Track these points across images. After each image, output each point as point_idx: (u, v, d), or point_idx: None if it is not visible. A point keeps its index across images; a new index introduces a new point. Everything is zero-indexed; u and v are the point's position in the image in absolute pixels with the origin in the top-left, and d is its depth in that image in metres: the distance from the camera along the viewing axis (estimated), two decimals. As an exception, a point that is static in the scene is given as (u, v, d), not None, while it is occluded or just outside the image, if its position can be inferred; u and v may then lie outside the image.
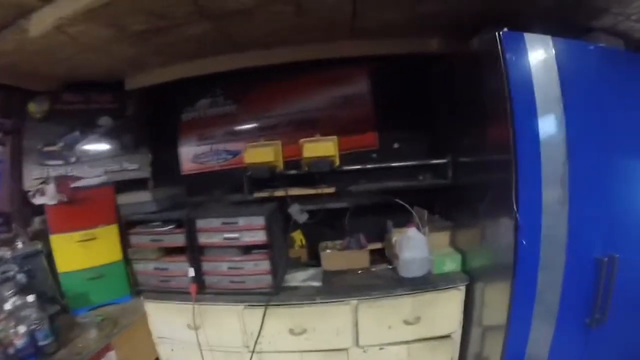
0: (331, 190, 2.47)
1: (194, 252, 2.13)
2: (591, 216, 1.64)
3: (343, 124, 2.76)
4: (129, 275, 2.31)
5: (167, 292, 2.22)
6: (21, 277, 1.92)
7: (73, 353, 1.72)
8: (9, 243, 2.18)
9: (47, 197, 2.04)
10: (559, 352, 1.72)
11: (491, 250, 1.92)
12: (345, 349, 2.12)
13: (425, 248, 2.21)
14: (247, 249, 2.14)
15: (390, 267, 2.39)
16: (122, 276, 2.30)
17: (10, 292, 1.77)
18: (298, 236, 2.69)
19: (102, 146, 2.79)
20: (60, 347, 1.75)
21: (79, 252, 2.16)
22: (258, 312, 2.08)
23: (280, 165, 2.47)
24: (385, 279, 2.24)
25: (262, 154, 2.38)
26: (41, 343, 1.67)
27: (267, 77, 2.81)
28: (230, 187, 2.79)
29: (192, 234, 2.12)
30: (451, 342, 2.14)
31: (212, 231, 2.12)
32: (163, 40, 2.17)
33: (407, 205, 2.43)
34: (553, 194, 1.58)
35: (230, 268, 2.14)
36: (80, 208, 2.15)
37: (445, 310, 2.11)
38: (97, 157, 2.76)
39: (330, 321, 2.09)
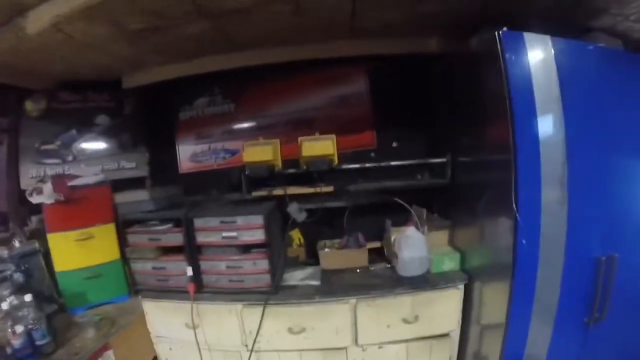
0: (330, 189, 2.47)
1: (192, 251, 2.13)
2: (590, 216, 1.64)
3: (341, 124, 2.76)
4: (126, 274, 2.29)
5: (165, 292, 2.21)
6: (18, 277, 1.91)
7: (71, 353, 1.71)
8: (6, 242, 2.17)
9: (44, 196, 2.02)
10: (557, 351, 1.72)
11: (490, 249, 1.92)
12: (344, 348, 2.12)
13: (424, 247, 2.21)
14: (246, 248, 2.14)
15: (389, 266, 2.39)
16: (119, 275, 2.28)
17: (7, 291, 1.77)
18: (296, 235, 2.69)
19: (100, 145, 2.78)
20: (57, 347, 1.74)
21: (77, 251, 2.14)
22: (257, 311, 2.08)
23: (279, 164, 2.46)
24: (384, 278, 2.24)
25: (261, 152, 2.37)
26: (38, 343, 1.66)
27: (265, 76, 2.80)
28: (228, 186, 2.79)
29: (190, 233, 2.11)
30: (450, 340, 2.14)
31: (210, 230, 2.12)
32: (161, 39, 2.15)
33: (405, 204, 2.42)
34: (552, 193, 1.59)
35: (228, 267, 2.13)
36: (78, 207, 2.13)
37: (444, 309, 2.11)
38: (94, 156, 2.75)
39: (329, 320, 2.08)
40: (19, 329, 1.59)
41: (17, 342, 1.57)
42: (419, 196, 2.51)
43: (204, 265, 2.15)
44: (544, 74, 1.57)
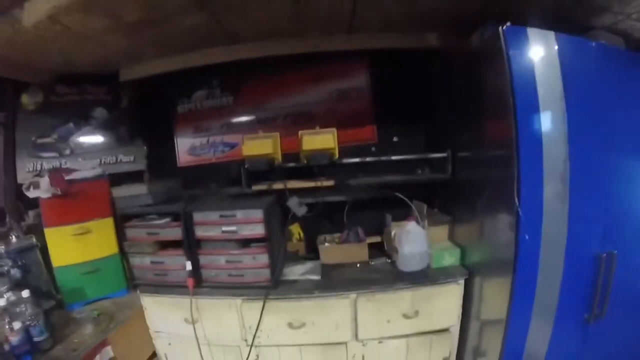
0: (330, 183, 2.45)
1: (191, 245, 2.12)
2: (590, 213, 1.65)
3: (342, 118, 2.73)
4: (125, 269, 2.28)
5: (163, 286, 2.20)
6: (15, 272, 1.89)
7: (69, 349, 1.70)
8: (3, 237, 2.14)
9: (41, 190, 2.00)
10: (557, 347, 1.73)
11: (490, 245, 1.92)
12: (344, 343, 2.12)
13: (424, 242, 2.21)
14: (245, 243, 2.13)
15: (389, 260, 2.39)
16: (118, 270, 2.26)
17: (4, 287, 1.76)
18: (296, 229, 2.67)
19: (97, 138, 2.76)
20: (55, 343, 1.72)
21: (74, 246, 2.12)
22: (256, 305, 2.08)
23: (279, 157, 2.44)
24: (384, 273, 2.24)
25: (261, 146, 2.35)
26: (36, 339, 1.65)
27: (264, 69, 2.77)
28: (227, 180, 2.78)
29: (189, 227, 2.10)
30: (450, 336, 2.15)
31: (209, 224, 2.11)
32: (158, 31, 2.12)
33: (406, 199, 2.42)
34: (554, 190, 1.59)
35: (228, 261, 2.13)
36: (75, 201, 2.11)
37: (444, 304, 2.11)
38: (91, 150, 2.73)
39: (329, 315, 2.08)
40: (17, 325, 1.58)
41: (15, 339, 1.55)
42: (420, 191, 2.51)
43: (203, 259, 2.15)
44: (548, 70, 1.57)
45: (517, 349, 1.74)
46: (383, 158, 2.57)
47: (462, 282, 2.10)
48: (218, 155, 2.92)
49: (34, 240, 2.13)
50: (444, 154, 2.37)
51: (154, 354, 2.31)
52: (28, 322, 1.63)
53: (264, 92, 2.83)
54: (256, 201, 2.22)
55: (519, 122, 1.55)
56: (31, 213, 2.43)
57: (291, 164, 2.50)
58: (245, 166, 2.42)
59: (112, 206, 2.26)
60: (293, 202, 2.45)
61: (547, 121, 1.57)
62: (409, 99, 2.72)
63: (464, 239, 2.24)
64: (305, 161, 2.39)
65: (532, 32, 1.57)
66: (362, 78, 2.78)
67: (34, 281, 2.00)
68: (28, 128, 2.61)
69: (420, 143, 2.71)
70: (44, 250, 2.11)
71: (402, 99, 2.74)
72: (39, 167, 2.58)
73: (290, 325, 2.08)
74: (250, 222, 2.07)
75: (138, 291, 2.23)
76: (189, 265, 2.10)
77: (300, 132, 2.37)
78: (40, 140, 2.63)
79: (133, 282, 2.26)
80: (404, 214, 2.40)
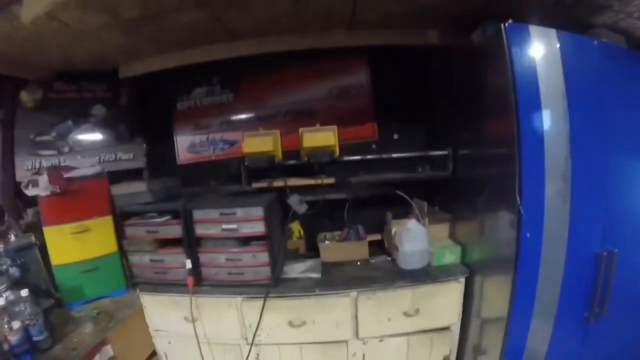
0: (331, 180, 2.45)
1: (190, 243, 2.11)
2: (591, 211, 1.64)
3: (342, 115, 2.73)
4: (124, 267, 2.27)
5: (163, 285, 2.19)
6: (14, 271, 1.88)
7: (68, 348, 1.69)
8: (2, 236, 2.14)
9: (40, 188, 1.99)
10: (558, 345, 1.73)
11: (491, 243, 1.92)
12: (345, 341, 2.12)
13: (424, 240, 2.20)
14: (245, 240, 2.12)
15: (390, 258, 2.39)
16: (117, 268, 2.26)
17: (3, 286, 1.74)
18: (296, 227, 2.67)
19: (96, 136, 2.74)
20: (55, 343, 1.72)
21: (73, 245, 2.11)
22: (257, 304, 2.07)
23: (279, 155, 2.43)
24: (384, 271, 2.24)
25: (261, 143, 2.33)
26: (36, 339, 1.65)
27: (264, 66, 2.76)
28: (227, 178, 2.78)
29: (189, 225, 2.10)
30: (450, 334, 2.15)
31: (209, 222, 2.10)
32: (157, 28, 2.11)
33: (406, 197, 2.41)
34: (555, 188, 1.58)
35: (228, 260, 2.12)
36: (74, 199, 2.10)
37: (444, 302, 2.10)
38: (90, 147, 2.72)
39: (329, 313, 2.08)
40: (16, 324, 1.57)
41: (14, 339, 1.55)
42: (420, 189, 2.50)
43: (203, 257, 2.14)
44: (549, 67, 1.56)
45: (517, 347, 1.73)
46: (384, 155, 2.56)
47: (462, 280, 2.10)
48: (218, 153, 2.90)
49: (33, 238, 2.12)
50: (445, 152, 2.36)
51: (154, 353, 2.30)
52: (27, 322, 1.63)
53: (263, 89, 2.82)
54: (256, 199, 2.21)
55: (520, 120, 1.54)
56: (30, 211, 2.42)
57: (291, 162, 2.48)
58: (245, 163, 2.41)
59: (112, 204, 2.25)
60: (293, 200, 2.43)
61: (548, 119, 1.56)
62: (409, 96, 2.71)
63: (465, 237, 2.23)
64: (305, 158, 2.37)
65: (534, 29, 1.56)
66: (362, 75, 2.77)
67: (33, 280, 1.99)
68: (27, 125, 2.60)
69: (420, 141, 2.71)
70: (43, 248, 2.10)
71: (403, 96, 2.73)
72: (37, 165, 2.57)
73: (290, 323, 2.08)
74: (251, 220, 2.06)
75: (138, 290, 2.22)
76: (188, 264, 2.09)
77: (300, 130, 2.36)
78: (39, 138, 2.62)
79: (132, 281, 2.25)
80: (404, 212, 2.39)
